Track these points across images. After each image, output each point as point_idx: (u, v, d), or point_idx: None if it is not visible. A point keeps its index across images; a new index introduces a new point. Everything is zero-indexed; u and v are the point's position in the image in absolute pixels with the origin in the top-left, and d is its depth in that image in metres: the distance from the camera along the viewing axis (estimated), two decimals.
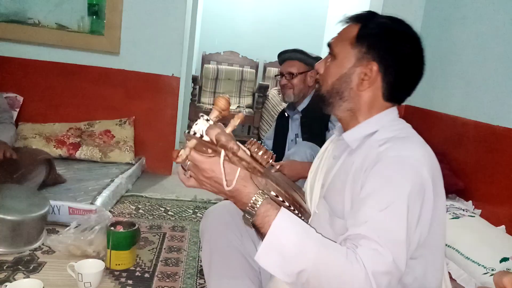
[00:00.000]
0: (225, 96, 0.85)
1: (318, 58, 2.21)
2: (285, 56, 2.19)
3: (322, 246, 0.74)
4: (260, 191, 0.81)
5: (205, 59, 5.08)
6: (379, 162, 0.81)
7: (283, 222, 0.76)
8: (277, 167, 1.13)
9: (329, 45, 0.96)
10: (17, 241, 1.69)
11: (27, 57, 2.90)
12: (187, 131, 0.83)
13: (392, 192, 0.77)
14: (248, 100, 5.00)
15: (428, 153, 0.85)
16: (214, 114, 0.84)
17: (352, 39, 0.90)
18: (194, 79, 4.40)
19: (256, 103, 4.70)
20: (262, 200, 0.80)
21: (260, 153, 0.91)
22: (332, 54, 0.95)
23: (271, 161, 1.03)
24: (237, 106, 4.82)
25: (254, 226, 0.80)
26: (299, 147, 1.99)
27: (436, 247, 0.86)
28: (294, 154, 1.95)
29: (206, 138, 0.79)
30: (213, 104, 0.87)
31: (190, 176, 0.88)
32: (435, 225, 0.83)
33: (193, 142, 0.82)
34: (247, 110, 4.75)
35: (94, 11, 2.92)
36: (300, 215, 0.93)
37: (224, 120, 0.86)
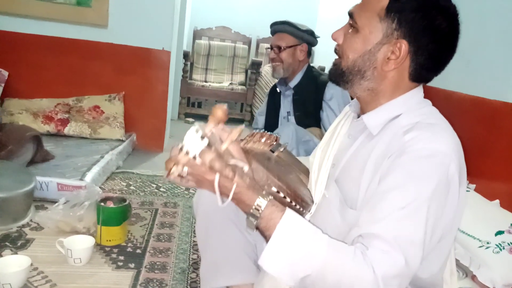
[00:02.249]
0: (223, 106, 0.79)
1: (309, 31, 2.15)
2: (275, 28, 2.11)
3: (330, 249, 0.70)
4: (264, 192, 0.77)
5: (197, 35, 4.97)
6: (404, 154, 0.73)
7: (288, 225, 0.71)
8: (281, 149, 1.06)
9: (351, 14, 0.84)
10: (3, 218, 1.65)
11: (11, 30, 2.79)
12: (176, 145, 0.78)
13: (415, 189, 0.71)
14: (240, 77, 4.93)
15: (456, 143, 0.77)
16: (210, 126, 0.78)
17: (381, 11, 0.78)
18: (186, 55, 4.30)
19: (249, 79, 4.63)
20: (266, 203, 0.74)
21: (263, 140, 0.87)
22: (354, 26, 0.83)
23: (274, 143, 0.99)
24: (230, 83, 4.75)
25: (258, 228, 0.76)
26: (283, 129, 1.94)
27: (452, 240, 0.82)
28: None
29: (199, 160, 0.74)
30: (207, 117, 0.80)
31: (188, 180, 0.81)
32: (457, 217, 0.79)
33: (186, 158, 0.76)
34: (240, 87, 4.69)
35: None
36: (302, 209, 0.89)
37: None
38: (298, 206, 0.87)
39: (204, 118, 4.57)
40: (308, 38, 2.12)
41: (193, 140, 0.75)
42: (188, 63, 4.49)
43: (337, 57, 0.88)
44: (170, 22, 2.95)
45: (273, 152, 1.02)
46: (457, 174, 0.74)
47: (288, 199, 0.86)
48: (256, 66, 4.53)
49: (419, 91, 0.84)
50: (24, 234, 1.65)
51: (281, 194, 0.84)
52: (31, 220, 1.74)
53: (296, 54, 2.09)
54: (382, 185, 0.74)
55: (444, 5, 0.78)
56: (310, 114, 2.07)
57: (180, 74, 4.28)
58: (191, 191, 2.35)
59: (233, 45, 4.96)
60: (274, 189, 0.84)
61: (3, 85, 2.71)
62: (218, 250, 1.06)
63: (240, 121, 4.68)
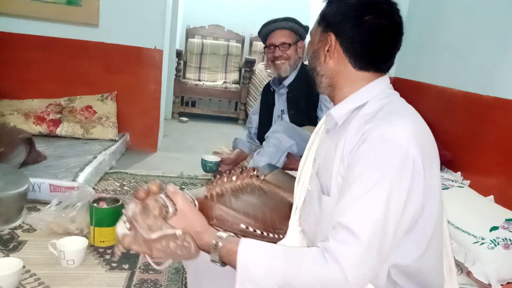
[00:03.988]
0: (157, 181, 0.87)
1: (307, 28, 2.14)
2: (275, 26, 2.08)
3: (288, 260, 0.76)
4: (218, 235, 0.86)
5: (189, 33, 4.94)
6: (364, 143, 0.78)
7: (246, 253, 0.79)
8: (265, 175, 1.14)
9: None
10: None
11: (1, 29, 2.76)
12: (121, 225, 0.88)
13: (373, 175, 0.75)
14: (234, 76, 4.91)
15: (417, 126, 0.81)
16: (132, 208, 0.86)
17: (318, 17, 0.93)
18: (178, 54, 4.28)
19: (243, 78, 4.62)
20: (221, 244, 0.83)
21: (234, 178, 1.03)
22: (310, 34, 0.98)
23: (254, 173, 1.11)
24: (223, 82, 4.73)
25: (225, 264, 0.84)
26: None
27: (431, 225, 0.83)
28: (257, 159, 1.90)
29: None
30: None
31: None
32: (430, 201, 0.80)
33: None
34: (233, 85, 4.67)
35: None
36: (275, 235, 0.98)
37: None
38: (271, 235, 0.98)
39: (197, 117, 4.56)
40: (305, 35, 2.12)
41: (119, 226, 0.87)
42: (181, 62, 4.47)
43: None
44: (162, 21, 2.92)
45: (258, 176, 1.12)
46: (420, 156, 0.76)
47: (258, 231, 0.97)
48: (249, 64, 4.52)
49: (381, 81, 0.89)
50: (16, 236, 1.63)
51: (250, 229, 0.96)
52: (23, 222, 1.72)
53: (298, 51, 2.09)
54: (348, 176, 0.79)
55: (370, 0, 0.87)
56: (304, 113, 2.06)
57: (173, 73, 4.26)
58: (185, 190, 2.33)
59: (226, 43, 4.94)
60: (242, 226, 0.96)
61: None
62: None
63: (234, 120, 4.67)
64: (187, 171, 2.63)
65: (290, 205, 1.05)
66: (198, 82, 4.64)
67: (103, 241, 1.61)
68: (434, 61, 2.53)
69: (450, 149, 2.16)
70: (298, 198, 1.00)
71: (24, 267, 1.34)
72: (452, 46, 2.35)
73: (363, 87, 0.88)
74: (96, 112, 2.76)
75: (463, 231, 1.51)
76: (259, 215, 1.01)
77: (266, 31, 2.14)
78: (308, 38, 1.06)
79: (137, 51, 2.91)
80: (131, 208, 0.85)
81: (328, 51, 0.90)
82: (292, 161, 1.91)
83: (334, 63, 0.90)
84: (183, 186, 2.40)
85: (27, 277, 1.37)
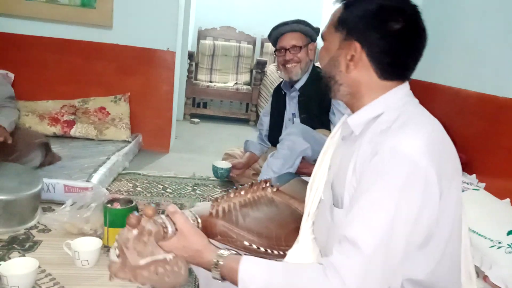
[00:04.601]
0: (151, 205, 0.89)
1: (318, 30, 2.13)
2: (286, 28, 2.07)
3: (288, 277, 0.77)
4: (219, 253, 0.86)
5: (201, 35, 4.96)
6: (376, 155, 0.76)
7: (246, 272, 0.81)
8: (277, 187, 1.15)
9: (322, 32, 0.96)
10: (10, 220, 1.65)
11: (17, 32, 2.80)
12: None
13: (381, 188, 0.73)
14: (245, 77, 4.91)
15: (434, 137, 0.78)
16: (116, 252, 0.88)
17: (336, 21, 0.88)
18: (190, 55, 4.30)
19: (254, 79, 4.62)
20: (222, 262, 0.84)
21: (242, 193, 1.06)
22: (322, 39, 0.94)
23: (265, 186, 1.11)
24: (235, 83, 4.74)
25: (227, 280, 0.85)
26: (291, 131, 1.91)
27: (446, 238, 0.80)
28: (263, 172, 1.89)
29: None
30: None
31: None
32: (446, 215, 0.78)
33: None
34: (245, 87, 4.68)
35: None
36: (281, 252, 0.99)
37: None
38: (275, 252, 0.99)
39: (209, 118, 4.57)
40: (315, 37, 2.10)
41: (111, 253, 0.89)
42: (193, 64, 4.49)
43: None
44: (175, 23, 2.94)
45: (273, 186, 1.14)
46: (433, 171, 0.73)
47: (262, 249, 0.98)
48: (261, 65, 4.52)
49: (400, 89, 0.86)
50: (31, 236, 1.65)
51: (254, 246, 0.98)
52: (38, 222, 1.74)
53: (309, 53, 2.08)
54: (358, 188, 0.78)
55: (394, 5, 0.83)
56: (316, 116, 2.05)
57: (185, 74, 4.28)
58: (197, 191, 2.35)
59: (238, 44, 4.94)
60: (246, 243, 0.98)
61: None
62: None
63: (245, 121, 4.67)
64: (199, 172, 2.63)
65: (301, 218, 1.03)
66: (209, 83, 4.65)
67: None
68: (448, 62, 2.50)
69: (465, 152, 2.13)
70: (311, 204, 0.98)
71: (39, 267, 1.36)
72: (467, 47, 2.32)
73: (382, 96, 0.85)
74: (109, 113, 2.79)
75: (480, 234, 1.48)
76: (264, 232, 1.02)
77: (276, 34, 2.12)
78: (319, 40, 1.05)
79: (150, 53, 2.93)
80: (123, 234, 0.86)
81: (351, 60, 0.85)
82: (306, 165, 1.90)
83: (357, 72, 0.86)
84: (195, 187, 2.41)
85: (42, 277, 1.39)
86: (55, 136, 2.64)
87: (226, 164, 2.34)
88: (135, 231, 0.86)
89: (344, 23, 0.86)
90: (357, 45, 0.84)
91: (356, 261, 0.71)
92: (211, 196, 2.30)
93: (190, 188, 2.38)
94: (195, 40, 4.93)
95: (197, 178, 2.57)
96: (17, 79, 2.79)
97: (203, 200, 2.21)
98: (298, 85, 2.12)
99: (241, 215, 1.04)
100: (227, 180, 2.44)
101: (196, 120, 4.39)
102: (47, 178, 1.90)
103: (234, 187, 1.10)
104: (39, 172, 1.96)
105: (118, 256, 0.87)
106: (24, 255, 1.50)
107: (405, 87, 0.87)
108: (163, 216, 0.91)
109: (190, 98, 4.50)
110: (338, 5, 0.90)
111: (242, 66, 4.93)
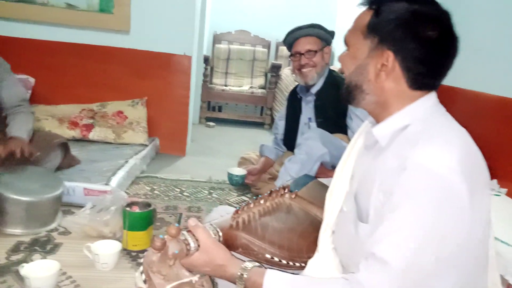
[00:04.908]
0: (175, 225, 0.91)
1: (332, 33, 2.12)
2: (300, 33, 2.06)
3: None
4: (243, 266, 0.87)
5: (216, 39, 4.99)
6: (405, 171, 0.73)
7: (271, 286, 0.81)
8: (295, 193, 1.14)
9: (345, 38, 0.91)
10: (32, 222, 1.68)
11: (37, 37, 2.86)
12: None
13: (412, 206, 0.71)
14: (260, 80, 4.92)
15: (465, 150, 0.74)
16: (143, 277, 0.91)
17: (364, 28, 0.83)
18: (206, 59, 4.33)
19: (269, 83, 4.62)
20: (246, 275, 0.85)
21: (262, 201, 1.06)
22: (347, 47, 0.89)
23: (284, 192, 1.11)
24: (250, 87, 4.75)
25: None
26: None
27: (475, 253, 0.78)
28: (280, 178, 1.88)
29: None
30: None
31: None
32: (476, 228, 0.75)
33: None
34: (259, 90, 4.68)
35: None
36: (304, 264, 0.97)
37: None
38: (297, 264, 0.99)
39: (224, 121, 4.59)
40: (330, 40, 2.10)
41: (137, 279, 0.91)
42: (208, 68, 4.51)
43: None
44: (191, 27, 2.97)
45: (291, 191, 1.13)
46: (465, 187, 0.70)
47: (284, 261, 0.98)
48: (276, 69, 4.52)
49: (428, 99, 0.83)
50: (52, 239, 1.67)
51: (276, 259, 0.98)
52: (59, 225, 1.77)
53: (324, 57, 2.07)
54: (386, 204, 0.75)
55: (426, 11, 0.80)
56: (332, 121, 2.03)
57: (201, 78, 4.31)
58: (214, 195, 2.35)
59: (253, 48, 4.96)
60: (267, 255, 0.98)
61: (30, 91, 2.78)
62: None
63: (260, 125, 4.67)
64: (214, 175, 2.64)
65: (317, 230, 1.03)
66: (224, 87, 4.67)
67: (136, 245, 1.63)
68: (465, 65, 2.45)
69: (484, 156, 2.09)
70: (330, 213, 0.96)
71: (60, 269, 1.37)
72: (483, 48, 2.28)
73: (408, 105, 0.82)
74: (127, 117, 2.82)
75: (502, 241, 1.45)
76: (285, 243, 1.01)
77: (291, 39, 2.11)
78: (337, 44, 1.03)
79: (167, 57, 2.96)
80: (148, 256, 0.88)
81: (381, 69, 0.82)
82: (324, 170, 1.88)
83: (388, 82, 0.82)
84: (212, 191, 2.42)
85: (63, 279, 1.41)
86: (74, 139, 2.67)
87: (241, 171, 2.35)
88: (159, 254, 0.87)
89: (376, 30, 0.82)
90: (390, 54, 0.80)
91: (384, 279, 0.70)
92: (228, 200, 2.30)
93: (206, 192, 2.39)
94: (210, 44, 4.96)
95: (213, 181, 2.58)
96: (38, 83, 2.85)
97: (220, 204, 2.22)
98: (314, 89, 2.11)
99: (261, 226, 1.04)
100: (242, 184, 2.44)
101: (211, 123, 4.41)
102: (67, 181, 1.93)
103: (254, 197, 1.10)
104: (60, 175, 1.99)
105: (145, 281, 0.88)
106: (45, 257, 1.52)
107: (432, 96, 0.84)
108: (184, 232, 0.92)
109: (205, 102, 4.53)
110: (365, 10, 0.86)
111: (257, 70, 4.94)
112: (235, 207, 1.14)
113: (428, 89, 0.83)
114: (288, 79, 4.32)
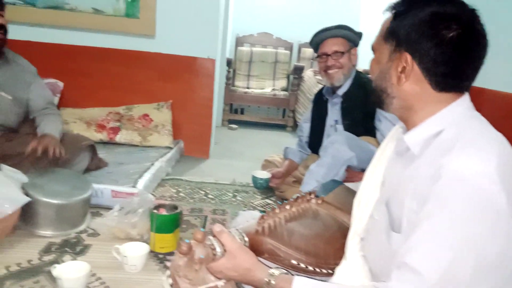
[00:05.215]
0: (200, 230, 0.93)
1: (360, 34, 2.10)
2: (327, 34, 2.04)
3: None
4: (270, 272, 0.88)
5: (239, 42, 5.01)
6: (440, 179, 0.71)
7: None
8: (321, 199, 1.13)
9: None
10: (62, 224, 1.71)
11: (66, 42, 2.93)
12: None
13: (447, 216, 0.69)
14: (282, 83, 4.92)
15: (503, 157, 0.71)
16: (170, 281, 0.93)
17: (385, 32, 0.85)
18: (228, 62, 4.35)
19: (292, 85, 4.61)
20: (274, 282, 0.86)
21: (287, 207, 1.05)
22: (372, 49, 0.91)
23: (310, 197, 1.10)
24: (272, 89, 4.75)
25: None
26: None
27: None
28: (305, 184, 1.87)
29: None
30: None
31: None
32: None
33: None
34: (282, 92, 4.67)
35: None
36: (330, 271, 0.97)
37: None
38: (324, 270, 0.99)
39: (246, 124, 4.60)
40: (358, 41, 2.07)
41: (165, 283, 0.94)
42: (231, 70, 4.53)
43: None
44: (215, 31, 2.99)
45: (318, 196, 1.13)
46: (505, 197, 0.68)
47: (310, 268, 0.98)
48: (298, 71, 4.51)
49: (460, 103, 0.81)
50: (82, 240, 1.70)
51: (302, 265, 0.98)
52: (88, 226, 1.80)
53: (351, 58, 2.05)
54: (420, 212, 0.73)
55: (445, 12, 0.78)
56: (360, 123, 2.00)
57: (223, 81, 4.33)
58: (238, 198, 2.36)
59: (275, 50, 4.96)
60: (294, 261, 0.98)
61: (59, 95, 2.85)
62: None
63: (282, 127, 4.66)
64: (238, 178, 2.65)
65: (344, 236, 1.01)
66: (247, 89, 4.68)
67: (163, 247, 1.64)
68: (495, 65, 2.39)
69: None
70: (359, 220, 0.95)
71: (90, 270, 1.40)
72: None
73: (440, 110, 0.81)
74: (152, 120, 2.86)
75: None
76: (312, 249, 1.00)
77: (317, 40, 2.09)
78: (364, 46, 1.02)
79: (191, 61, 2.98)
80: (175, 261, 0.89)
81: (402, 72, 0.82)
82: (354, 173, 1.85)
83: (410, 84, 0.82)
84: (236, 193, 2.42)
85: (93, 280, 1.43)
86: (101, 142, 2.73)
87: (265, 174, 2.34)
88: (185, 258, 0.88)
89: (393, 34, 0.83)
90: (407, 56, 0.80)
91: None
92: (252, 203, 2.30)
93: (231, 195, 2.40)
94: (233, 47, 4.99)
95: (237, 184, 2.58)
96: (66, 87, 2.92)
97: (244, 207, 2.22)
98: (340, 91, 2.08)
99: (287, 232, 1.03)
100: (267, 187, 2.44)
101: (234, 126, 4.43)
102: (95, 183, 1.96)
103: (279, 202, 1.10)
104: (88, 178, 2.03)
105: (171, 285, 0.89)
106: (75, 259, 1.55)
107: (465, 100, 0.82)
108: (210, 237, 0.93)
109: (228, 104, 4.55)
110: (388, 15, 0.86)
111: (279, 72, 4.93)
112: (261, 211, 1.14)
113: (455, 91, 0.81)
114: (311, 81, 4.30)
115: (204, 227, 1.94)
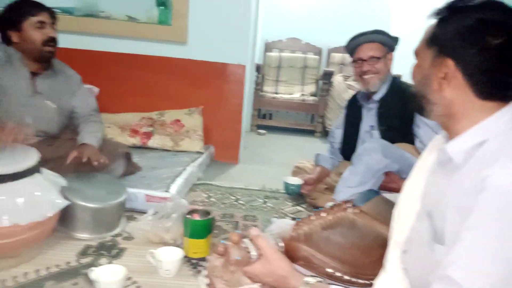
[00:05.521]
0: (237, 232, 0.95)
1: (396, 39, 2.07)
2: (363, 39, 2.02)
3: None
4: (306, 280, 0.87)
5: (268, 47, 5.02)
6: (483, 191, 0.69)
7: None
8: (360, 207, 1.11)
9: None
10: (99, 227, 1.75)
11: (101, 49, 3.01)
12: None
13: (492, 229, 0.67)
14: (311, 88, 4.89)
15: None
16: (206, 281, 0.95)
17: (428, 38, 0.85)
18: (257, 68, 4.36)
19: (321, 90, 4.58)
20: None
21: (324, 214, 1.04)
22: (415, 55, 0.90)
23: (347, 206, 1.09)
24: (301, 94, 4.73)
25: None
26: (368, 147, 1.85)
27: None
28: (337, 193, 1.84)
29: None
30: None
31: None
32: None
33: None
34: (311, 98, 4.65)
35: (162, 1, 2.96)
36: (367, 281, 0.96)
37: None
38: (360, 280, 0.97)
39: (274, 129, 4.59)
40: (394, 46, 2.04)
41: (201, 283, 1.01)
42: (260, 76, 4.55)
43: None
44: (245, 37, 3.01)
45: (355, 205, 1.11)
46: None
47: (346, 277, 0.97)
48: (327, 76, 4.48)
49: (505, 112, 0.78)
50: (117, 243, 1.73)
51: (337, 274, 0.97)
52: (122, 230, 1.83)
53: (387, 63, 2.02)
54: (463, 224, 0.71)
55: (490, 19, 0.76)
56: (397, 129, 1.96)
57: (253, 87, 4.35)
58: (268, 204, 2.35)
59: (304, 56, 4.94)
60: (329, 270, 0.97)
61: None
62: None
63: (311, 132, 4.64)
64: (267, 184, 2.65)
65: (386, 244, 0.98)
66: (275, 94, 4.69)
67: (196, 253, 1.65)
68: None
69: None
70: (399, 232, 0.92)
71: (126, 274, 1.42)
72: None
73: (484, 120, 0.78)
74: (184, 126, 2.90)
75: None
76: (348, 258, 0.99)
77: (353, 45, 2.07)
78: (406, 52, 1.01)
79: (222, 67, 3.01)
80: (211, 261, 0.90)
81: (444, 78, 0.81)
82: (395, 179, 1.81)
83: (452, 91, 0.80)
84: (266, 200, 2.42)
85: (129, 283, 1.45)
86: (135, 146, 2.78)
87: (297, 181, 2.33)
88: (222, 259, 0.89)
89: (436, 39, 0.82)
90: (450, 62, 0.79)
91: None
92: (282, 210, 2.29)
93: (261, 200, 2.39)
94: (262, 52, 5.00)
95: (267, 190, 2.58)
96: (101, 93, 2.99)
97: (275, 214, 2.21)
98: (376, 96, 2.06)
99: (323, 239, 1.03)
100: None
101: (262, 131, 4.43)
102: (129, 188, 1.99)
103: (314, 209, 1.09)
104: (123, 182, 2.07)
105: (208, 285, 0.91)
106: (111, 262, 1.58)
107: (509, 110, 0.79)
108: (246, 240, 0.93)
109: (256, 110, 4.56)
110: (433, 21, 0.85)
111: (308, 77, 4.91)
112: (293, 218, 1.15)
113: (499, 100, 0.79)
114: (340, 86, 4.26)
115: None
